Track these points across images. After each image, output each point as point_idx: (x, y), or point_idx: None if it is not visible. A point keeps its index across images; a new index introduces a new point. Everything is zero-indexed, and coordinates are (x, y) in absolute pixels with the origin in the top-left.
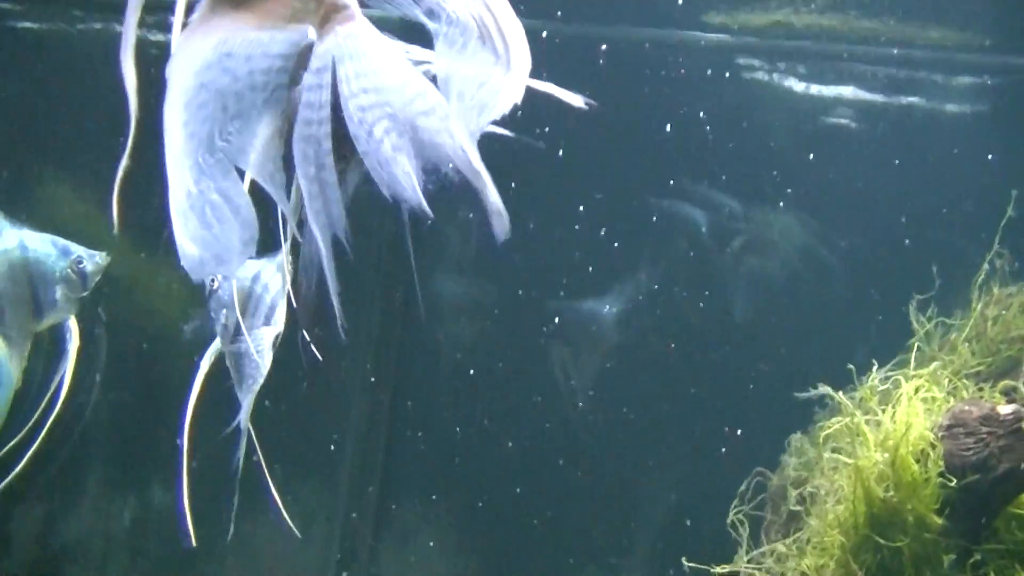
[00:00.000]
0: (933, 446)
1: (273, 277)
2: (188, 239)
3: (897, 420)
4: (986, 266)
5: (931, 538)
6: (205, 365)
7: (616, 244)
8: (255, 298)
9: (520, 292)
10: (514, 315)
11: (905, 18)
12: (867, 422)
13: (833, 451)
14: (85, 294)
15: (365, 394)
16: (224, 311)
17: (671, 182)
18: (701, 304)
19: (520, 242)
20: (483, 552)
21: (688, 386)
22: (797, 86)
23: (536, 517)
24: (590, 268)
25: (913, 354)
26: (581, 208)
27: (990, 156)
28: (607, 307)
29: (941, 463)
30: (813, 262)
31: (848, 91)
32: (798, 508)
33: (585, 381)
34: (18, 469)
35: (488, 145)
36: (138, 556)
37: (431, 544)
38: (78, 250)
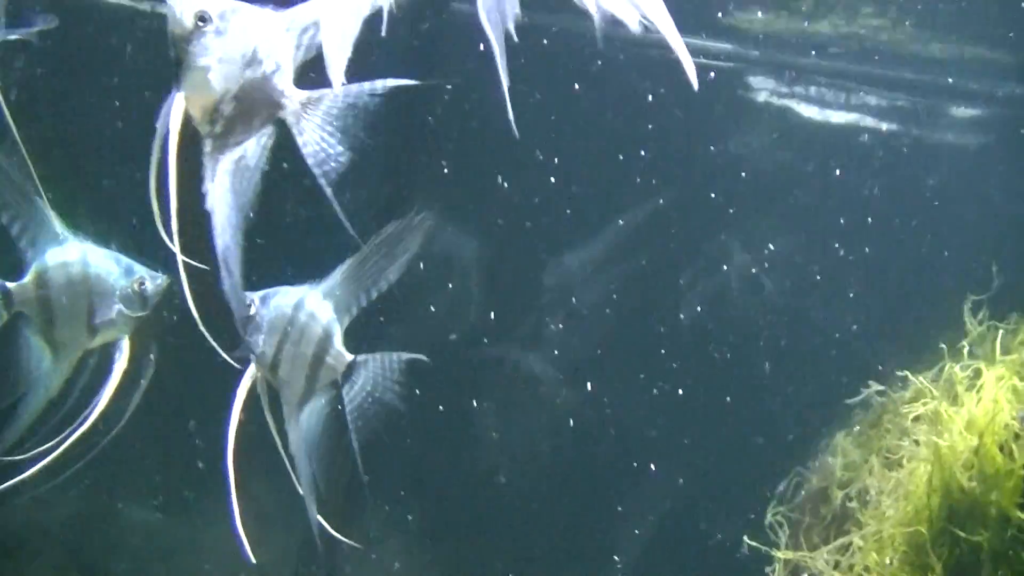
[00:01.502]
0: (1017, 436)
1: (320, 305)
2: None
3: (982, 407)
4: None
5: (1013, 534)
6: (243, 392)
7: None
8: (299, 326)
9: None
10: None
11: None
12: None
13: (902, 443)
14: (143, 315)
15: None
16: (262, 337)
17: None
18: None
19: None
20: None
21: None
22: None
23: (521, 516)
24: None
25: (964, 358)
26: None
27: None
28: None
29: None
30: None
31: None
32: (851, 505)
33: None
34: (27, 474)
35: None
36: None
37: (394, 543)
38: (141, 270)
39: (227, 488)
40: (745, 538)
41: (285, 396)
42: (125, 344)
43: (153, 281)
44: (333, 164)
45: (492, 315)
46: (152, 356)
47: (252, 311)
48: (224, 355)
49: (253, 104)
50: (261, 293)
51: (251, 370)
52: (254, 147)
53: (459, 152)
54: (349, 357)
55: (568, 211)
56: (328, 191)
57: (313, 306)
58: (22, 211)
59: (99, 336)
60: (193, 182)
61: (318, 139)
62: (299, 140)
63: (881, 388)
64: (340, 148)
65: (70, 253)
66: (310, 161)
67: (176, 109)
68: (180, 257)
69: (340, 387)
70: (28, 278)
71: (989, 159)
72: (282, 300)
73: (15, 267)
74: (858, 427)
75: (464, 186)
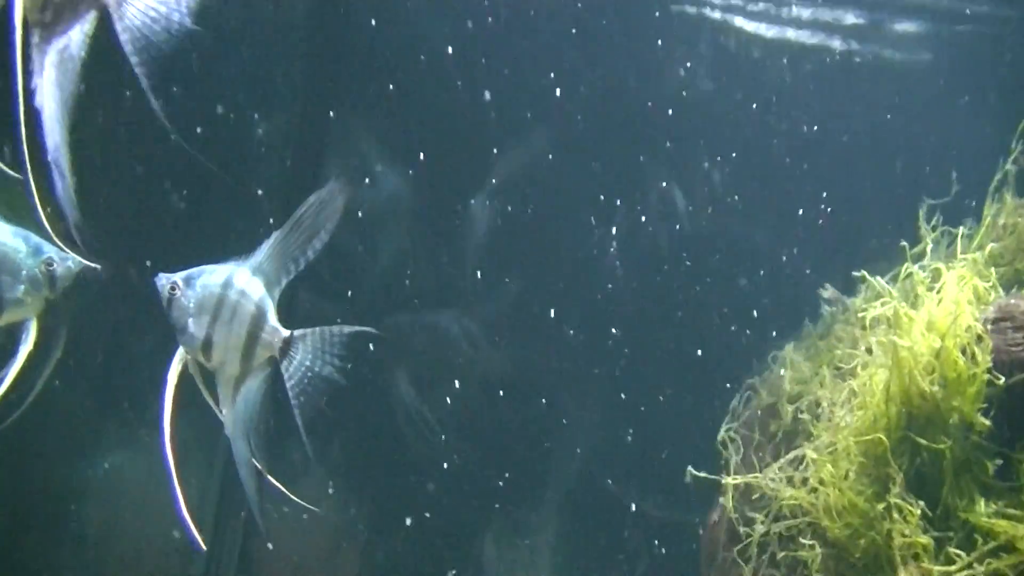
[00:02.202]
0: (980, 339)
1: (250, 282)
2: None
3: (942, 308)
4: (1000, 174)
5: (976, 442)
6: (173, 376)
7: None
8: (229, 304)
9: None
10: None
11: None
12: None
13: (855, 352)
14: (51, 296)
15: None
16: (190, 319)
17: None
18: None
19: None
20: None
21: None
22: None
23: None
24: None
25: (926, 259)
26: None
27: None
28: None
29: (989, 358)
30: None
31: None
32: (803, 418)
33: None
34: None
35: None
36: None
37: (321, 487)
38: (51, 251)
39: (169, 479)
40: (689, 468)
41: (220, 377)
42: (32, 325)
43: (63, 263)
44: (153, 54)
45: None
46: (61, 338)
47: (176, 292)
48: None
49: None
50: (184, 273)
51: (179, 354)
52: (78, 35)
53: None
54: (285, 333)
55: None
56: (147, 86)
57: (243, 283)
58: None
59: (5, 315)
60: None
61: (139, 25)
62: (118, 27)
63: (830, 297)
64: (164, 37)
65: None
66: (128, 49)
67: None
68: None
69: (279, 363)
70: None
71: (937, 76)
72: (209, 279)
73: None
74: (807, 339)
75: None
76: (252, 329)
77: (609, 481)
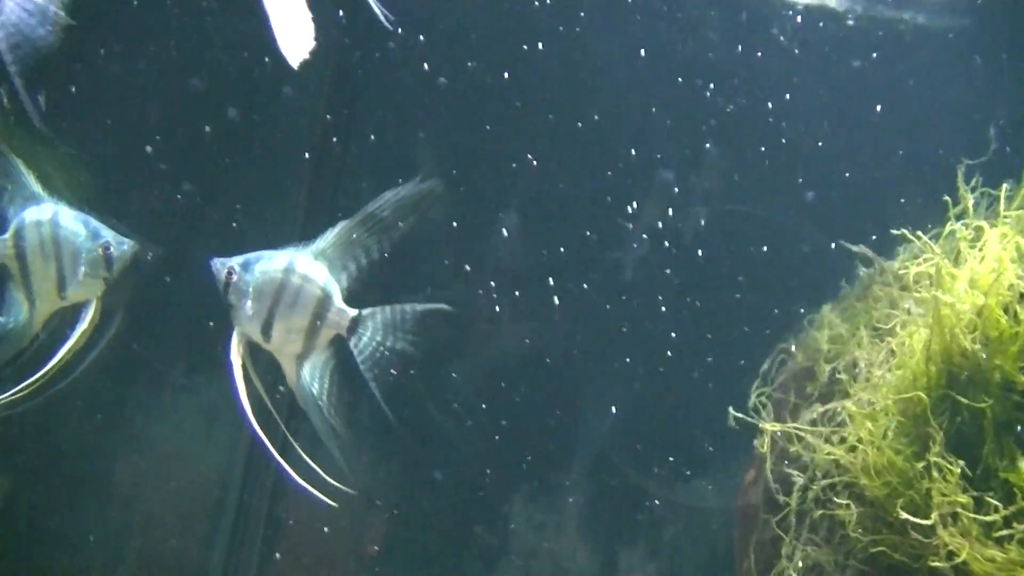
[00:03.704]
0: (1023, 297)
1: (312, 267)
2: None
3: (985, 265)
4: None
5: (1017, 401)
6: (236, 358)
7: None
8: (292, 288)
9: None
10: None
11: None
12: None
13: (893, 312)
14: (108, 278)
15: None
16: (248, 303)
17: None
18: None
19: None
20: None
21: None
22: None
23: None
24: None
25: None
26: None
27: None
28: None
29: None
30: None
31: None
32: (840, 378)
33: None
34: None
35: None
36: None
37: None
38: (108, 234)
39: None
40: (731, 410)
41: (283, 359)
42: (92, 307)
43: (118, 246)
44: (28, 50)
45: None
46: (117, 319)
47: (233, 277)
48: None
49: None
50: (241, 258)
51: (236, 335)
52: None
53: None
54: (353, 312)
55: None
56: (19, 84)
57: (305, 268)
58: (1, 169)
59: (68, 296)
60: None
61: (15, 20)
62: None
63: (869, 256)
64: (40, 33)
65: (44, 212)
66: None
67: None
68: None
69: (348, 341)
70: (8, 234)
71: (966, 42)
72: (268, 265)
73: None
74: (844, 300)
75: None
76: (317, 311)
77: (635, 449)
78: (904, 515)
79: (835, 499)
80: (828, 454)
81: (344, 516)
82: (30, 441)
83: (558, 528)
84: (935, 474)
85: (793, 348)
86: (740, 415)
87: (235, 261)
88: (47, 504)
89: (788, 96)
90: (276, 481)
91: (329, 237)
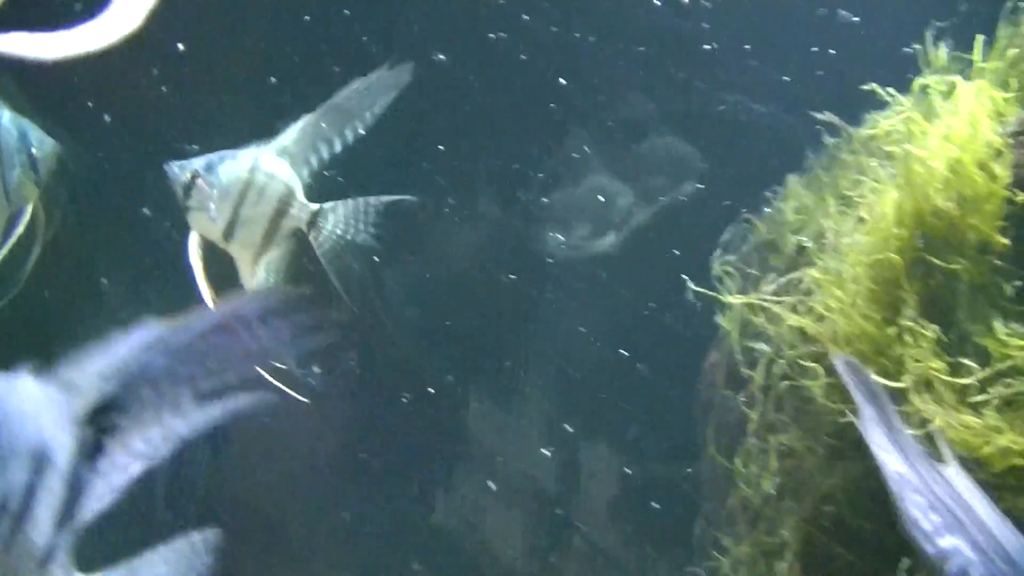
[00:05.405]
0: (999, 154)
1: (277, 164)
2: None
3: (959, 120)
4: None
5: (992, 263)
6: (196, 260)
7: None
8: (256, 187)
9: None
10: None
11: None
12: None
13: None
14: (35, 179)
15: None
16: (211, 205)
17: None
18: None
19: None
20: None
21: None
22: None
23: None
24: None
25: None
26: None
27: None
28: None
29: (1009, 175)
30: None
31: None
32: (807, 247)
33: None
34: None
35: None
36: None
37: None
38: (34, 136)
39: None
40: (688, 281)
41: (241, 258)
42: (27, 211)
43: (41, 146)
44: None
45: None
46: (51, 224)
47: (198, 180)
48: None
49: None
50: (203, 160)
51: (193, 237)
52: None
53: None
54: (314, 207)
55: None
56: None
57: (269, 166)
58: None
59: (11, 202)
60: None
61: None
62: None
63: (836, 124)
64: None
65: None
66: None
67: None
68: None
69: (308, 235)
70: None
71: None
72: (233, 165)
73: None
74: (810, 172)
75: None
76: (279, 206)
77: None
78: (877, 381)
79: (802, 371)
80: (795, 323)
81: (300, 427)
82: None
83: (517, 431)
84: (908, 339)
85: (755, 220)
86: (701, 289)
87: (197, 163)
88: None
89: None
90: None
91: (292, 133)
